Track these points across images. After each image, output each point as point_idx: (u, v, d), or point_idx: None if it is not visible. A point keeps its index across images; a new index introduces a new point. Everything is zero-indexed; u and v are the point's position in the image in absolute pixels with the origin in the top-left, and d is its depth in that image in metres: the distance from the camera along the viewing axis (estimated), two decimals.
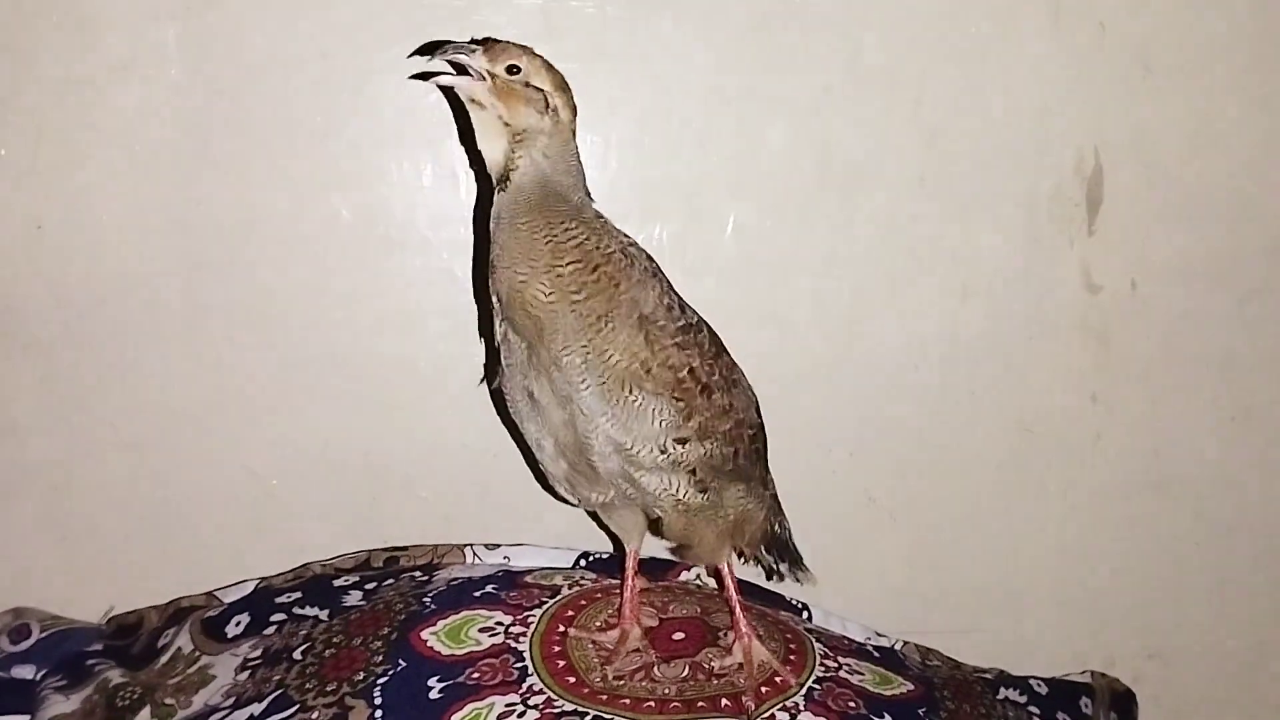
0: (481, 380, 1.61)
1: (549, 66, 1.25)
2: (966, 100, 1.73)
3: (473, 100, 1.24)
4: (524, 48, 1.25)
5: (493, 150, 1.25)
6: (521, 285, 1.22)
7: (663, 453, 1.26)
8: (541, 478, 1.39)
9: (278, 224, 1.66)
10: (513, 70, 1.23)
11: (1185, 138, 1.78)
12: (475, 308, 1.67)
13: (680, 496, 1.30)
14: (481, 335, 1.65)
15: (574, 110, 1.26)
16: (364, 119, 1.64)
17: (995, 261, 1.78)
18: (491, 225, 1.25)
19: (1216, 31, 1.76)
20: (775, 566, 1.56)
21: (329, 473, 1.72)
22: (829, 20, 1.68)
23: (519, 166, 1.23)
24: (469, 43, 1.25)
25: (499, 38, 1.27)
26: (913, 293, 1.77)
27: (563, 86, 1.25)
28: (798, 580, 1.59)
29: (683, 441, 1.26)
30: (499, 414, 1.61)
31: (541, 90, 1.23)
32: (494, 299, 1.27)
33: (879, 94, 1.71)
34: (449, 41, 1.26)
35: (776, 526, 1.50)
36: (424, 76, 1.27)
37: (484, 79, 1.23)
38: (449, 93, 1.27)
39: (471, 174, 1.65)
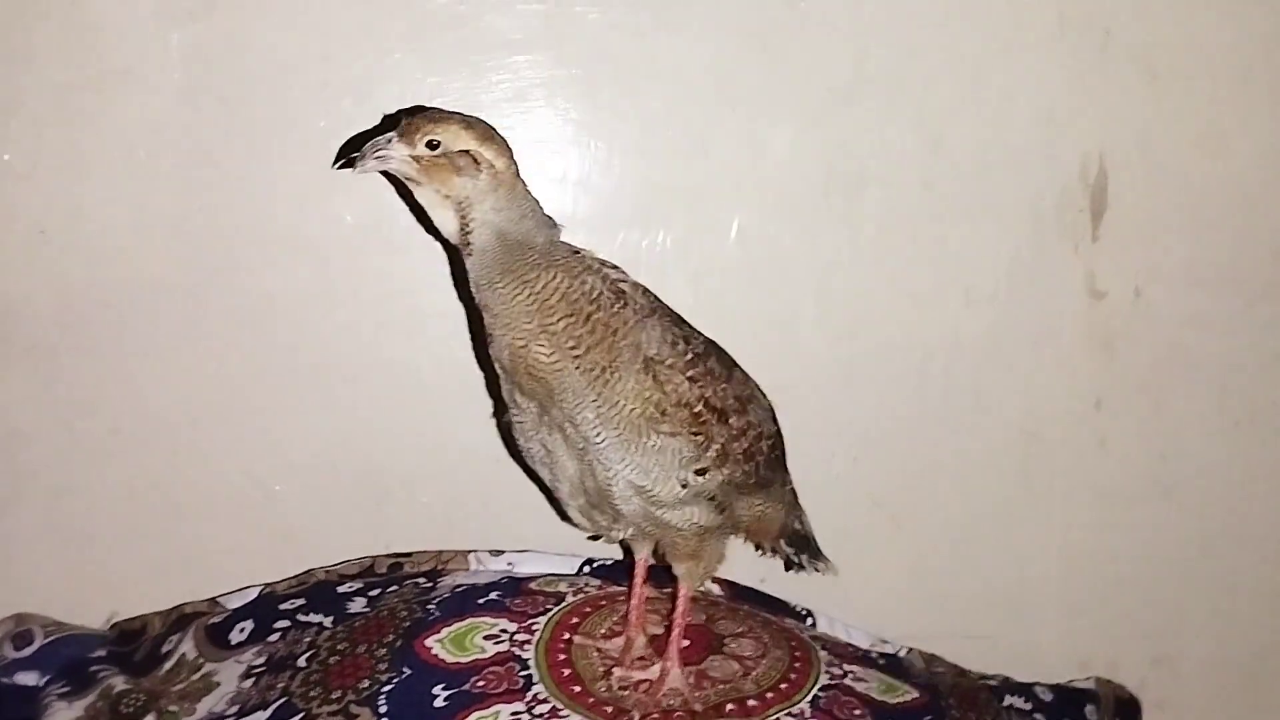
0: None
1: (468, 124, 1.21)
2: (971, 106, 1.73)
3: (408, 179, 1.22)
4: (437, 117, 1.22)
5: (444, 221, 1.22)
6: (521, 350, 1.20)
7: (684, 486, 1.25)
8: (556, 503, 1.38)
9: (280, 228, 1.66)
10: (433, 145, 1.20)
11: (1190, 144, 1.77)
12: (478, 312, 1.66)
13: (701, 522, 1.29)
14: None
15: (509, 154, 1.23)
16: (367, 124, 1.63)
17: (1000, 267, 1.77)
18: (474, 293, 1.24)
19: (1221, 37, 1.75)
20: (795, 558, 1.55)
21: (331, 478, 1.72)
22: (833, 26, 1.68)
23: (473, 229, 1.21)
24: (385, 130, 1.22)
25: (406, 114, 1.24)
26: (917, 298, 1.77)
27: (488, 137, 1.21)
28: (818, 570, 1.57)
29: (703, 472, 1.26)
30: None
31: (467, 152, 1.20)
32: (497, 365, 1.26)
33: (883, 99, 1.71)
34: (364, 146, 1.22)
35: (796, 522, 1.50)
36: (350, 164, 1.24)
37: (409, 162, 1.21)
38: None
39: None
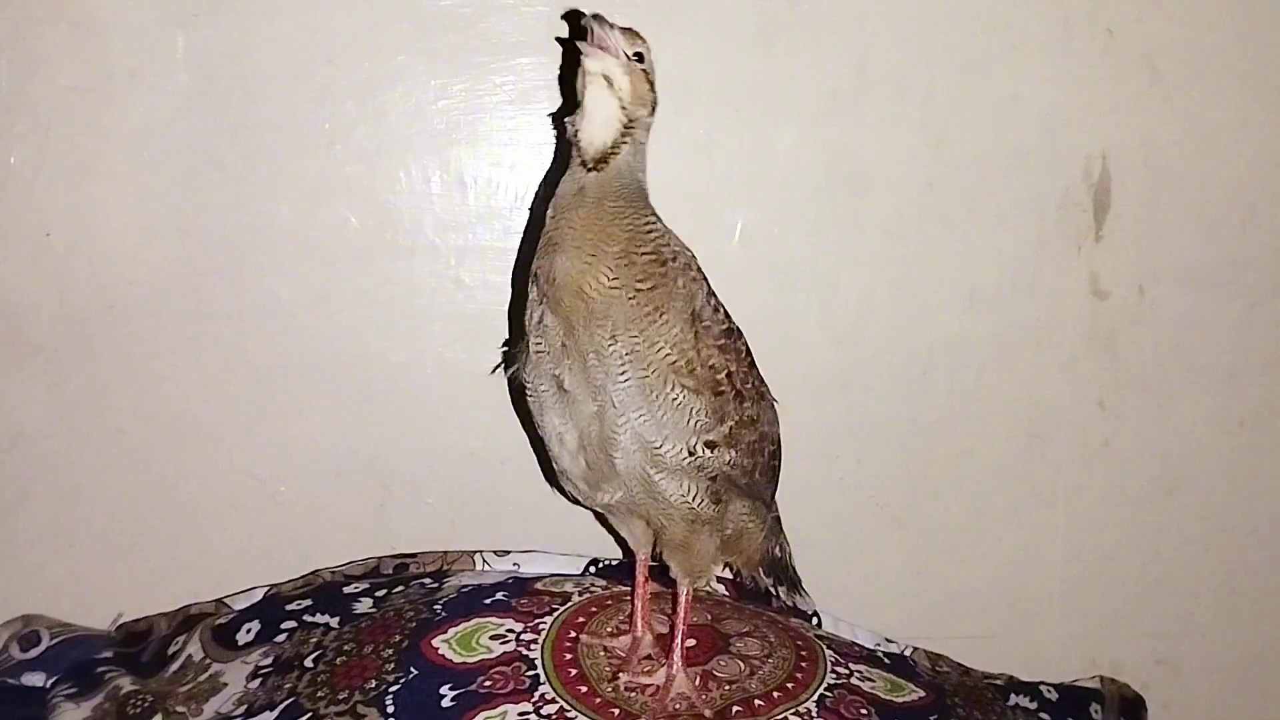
0: (496, 368, 1.59)
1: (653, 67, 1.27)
2: (974, 106, 1.73)
3: (604, 76, 1.23)
4: (644, 41, 1.26)
5: (602, 130, 1.24)
6: (585, 267, 1.21)
7: (690, 454, 1.25)
8: (550, 478, 1.38)
9: (285, 231, 1.66)
10: (639, 58, 1.24)
11: (1193, 144, 1.78)
12: (483, 314, 1.68)
13: (695, 505, 1.28)
14: (498, 327, 1.66)
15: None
16: (371, 126, 1.64)
17: (1003, 267, 1.78)
18: (553, 206, 1.25)
19: (1224, 38, 1.76)
20: (773, 589, 1.54)
21: (336, 479, 1.72)
22: (837, 27, 1.69)
23: (620, 152, 1.24)
24: (610, 21, 1.25)
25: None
26: (920, 299, 1.77)
27: (655, 86, 1.27)
28: (794, 604, 1.57)
29: (712, 445, 1.26)
30: (514, 407, 1.62)
31: (653, 83, 1.25)
32: (535, 281, 1.26)
33: (887, 100, 1.72)
34: (594, 16, 1.25)
35: (776, 549, 1.50)
36: (569, 41, 1.30)
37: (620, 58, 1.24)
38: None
39: (478, 180, 1.66)
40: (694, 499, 1.28)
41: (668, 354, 1.22)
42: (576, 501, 1.38)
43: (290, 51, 1.62)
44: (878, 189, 1.74)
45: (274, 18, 1.61)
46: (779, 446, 1.39)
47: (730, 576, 1.61)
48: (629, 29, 1.25)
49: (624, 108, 1.24)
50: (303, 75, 1.63)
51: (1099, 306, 1.80)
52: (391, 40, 1.63)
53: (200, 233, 1.65)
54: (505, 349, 1.62)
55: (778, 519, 1.47)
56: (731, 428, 1.27)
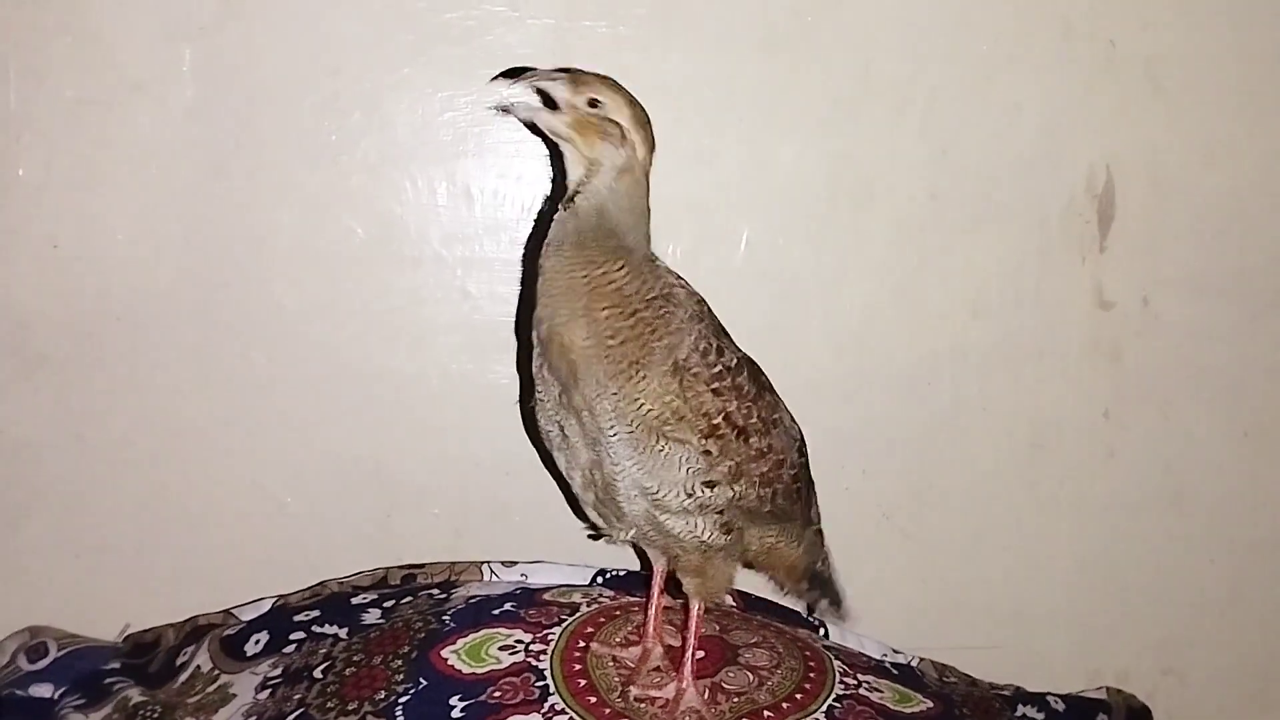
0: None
1: (631, 101, 1.24)
2: (977, 117, 1.74)
3: (551, 131, 1.24)
4: (606, 81, 1.24)
5: (572, 172, 1.24)
6: (560, 327, 1.21)
7: (689, 496, 1.24)
8: (571, 499, 1.38)
9: (291, 242, 1.66)
10: (594, 104, 1.22)
11: (1196, 153, 1.78)
12: (489, 325, 1.68)
13: (705, 538, 1.28)
14: (505, 338, 1.67)
15: (651, 147, 1.25)
16: (377, 137, 1.65)
17: (1007, 278, 1.78)
18: (541, 256, 1.24)
19: (1226, 47, 1.77)
20: (814, 605, 1.54)
21: (343, 490, 1.72)
22: (839, 37, 1.69)
23: (584, 192, 1.23)
24: (555, 70, 1.24)
25: (579, 69, 1.25)
26: (924, 309, 1.78)
27: (642, 122, 1.24)
28: (831, 620, 1.57)
29: (711, 485, 1.25)
30: (527, 432, 1.62)
31: (619, 124, 1.22)
32: (534, 335, 1.26)
33: (890, 111, 1.72)
34: (534, 69, 1.26)
35: (820, 564, 1.48)
36: (505, 110, 1.26)
37: (563, 110, 1.22)
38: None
39: (484, 191, 1.66)
40: (703, 533, 1.28)
41: (649, 409, 1.21)
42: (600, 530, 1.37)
43: (296, 64, 1.63)
44: (881, 199, 1.74)
45: (280, 30, 1.62)
46: (802, 468, 1.38)
47: (739, 587, 1.60)
48: (583, 75, 1.23)
49: (584, 154, 1.22)
50: (308, 87, 1.63)
51: (1103, 317, 1.80)
52: (397, 52, 1.63)
53: (206, 244, 1.65)
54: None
55: (819, 532, 1.46)
56: (734, 466, 1.25)
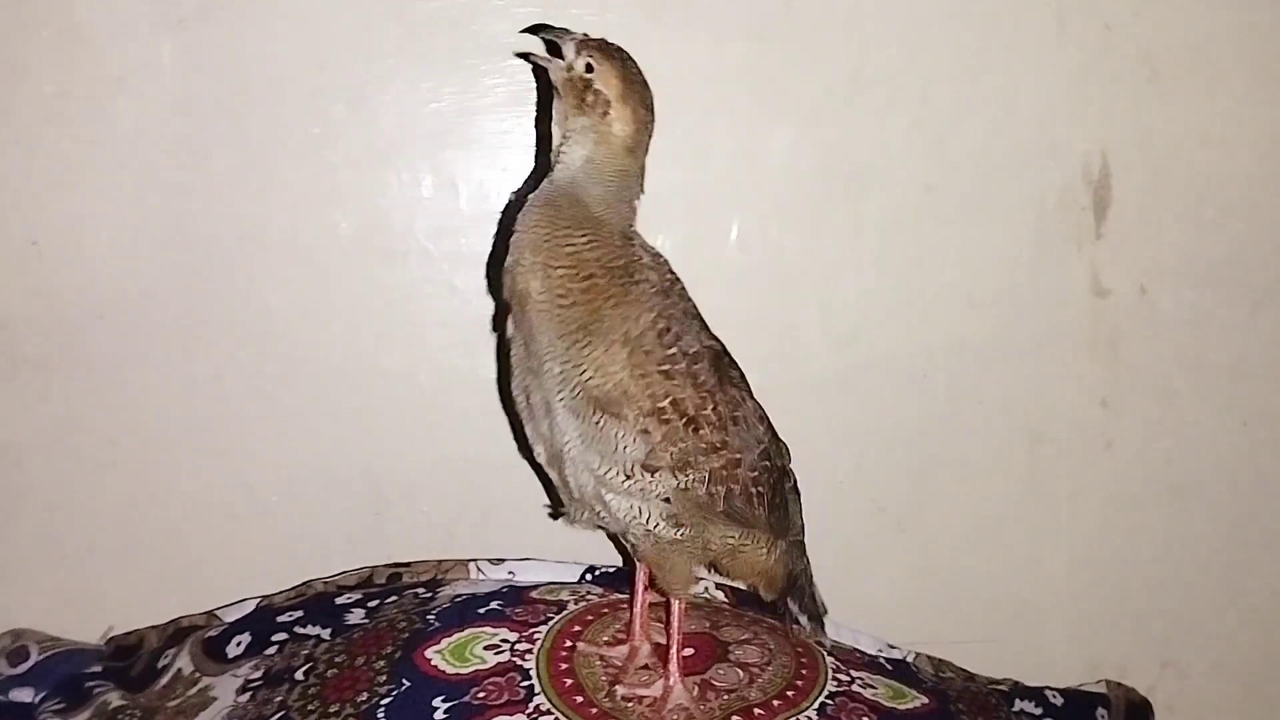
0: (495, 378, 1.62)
1: (627, 81, 1.22)
2: (972, 105, 1.72)
3: (553, 80, 1.24)
4: (613, 52, 1.23)
5: (555, 134, 1.25)
6: (522, 274, 1.20)
7: (628, 478, 1.21)
8: (547, 481, 1.36)
9: (276, 237, 1.64)
10: (589, 69, 1.22)
11: (1193, 140, 1.76)
12: (477, 319, 1.66)
13: (650, 527, 1.25)
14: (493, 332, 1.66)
15: (636, 127, 1.23)
16: (362, 130, 1.63)
17: (1003, 267, 1.76)
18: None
19: (1223, 34, 1.75)
20: (796, 618, 1.46)
21: (329, 488, 1.70)
22: (832, 26, 1.67)
23: (561, 157, 1.23)
24: (575, 34, 1.25)
25: (606, 39, 1.25)
26: (919, 300, 1.76)
27: (625, 99, 1.22)
28: (810, 636, 1.50)
29: (652, 470, 1.21)
30: (508, 417, 1.61)
31: (602, 96, 1.21)
32: (504, 284, 1.25)
33: (883, 100, 1.70)
34: (563, 29, 1.26)
35: (800, 576, 1.44)
36: (524, 57, 1.30)
37: (562, 65, 1.23)
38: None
39: (470, 183, 1.65)
40: (648, 521, 1.24)
41: (591, 378, 1.18)
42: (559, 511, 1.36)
43: (279, 56, 1.61)
44: (875, 189, 1.72)
45: (262, 23, 1.60)
46: (770, 473, 1.32)
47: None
48: (595, 42, 1.24)
49: (565, 116, 1.23)
50: (292, 80, 1.61)
51: (1100, 306, 1.78)
52: (381, 44, 1.61)
53: (190, 240, 1.63)
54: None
55: (798, 543, 1.42)
56: (678, 453, 1.21)
